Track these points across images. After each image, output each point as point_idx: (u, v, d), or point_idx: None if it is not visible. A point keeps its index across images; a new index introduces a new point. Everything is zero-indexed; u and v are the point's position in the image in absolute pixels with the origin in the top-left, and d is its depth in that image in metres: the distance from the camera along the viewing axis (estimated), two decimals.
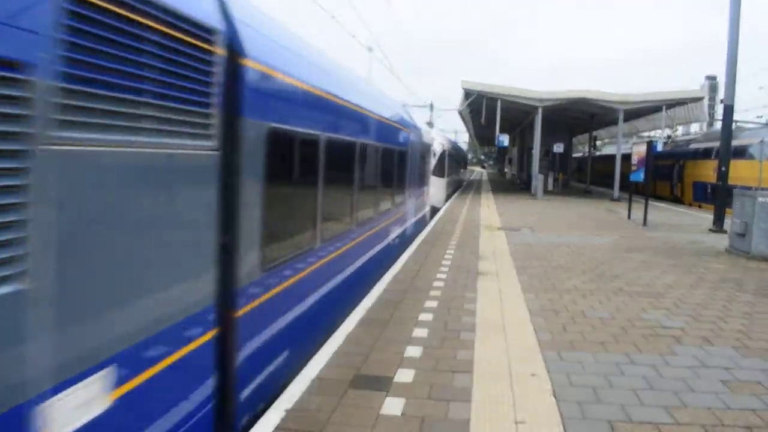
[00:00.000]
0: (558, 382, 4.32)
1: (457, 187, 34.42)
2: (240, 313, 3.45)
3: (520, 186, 37.46)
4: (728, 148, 14.74)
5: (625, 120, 31.02)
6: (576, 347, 5.15)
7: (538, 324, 5.85)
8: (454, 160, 28.78)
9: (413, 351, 4.90)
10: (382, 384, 4.18)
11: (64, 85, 1.97)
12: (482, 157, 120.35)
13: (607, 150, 47.27)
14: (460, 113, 38.59)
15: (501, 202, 23.99)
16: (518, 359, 4.78)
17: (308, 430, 3.47)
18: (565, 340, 5.33)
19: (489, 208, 20.35)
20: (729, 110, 14.99)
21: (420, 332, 5.43)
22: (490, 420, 3.67)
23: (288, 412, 3.69)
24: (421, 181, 13.69)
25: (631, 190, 19.05)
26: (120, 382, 2.36)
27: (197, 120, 2.87)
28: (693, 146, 29.46)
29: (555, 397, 4.04)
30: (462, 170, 42.32)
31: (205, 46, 2.91)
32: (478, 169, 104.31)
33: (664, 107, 27.70)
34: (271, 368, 4.01)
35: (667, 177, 30.99)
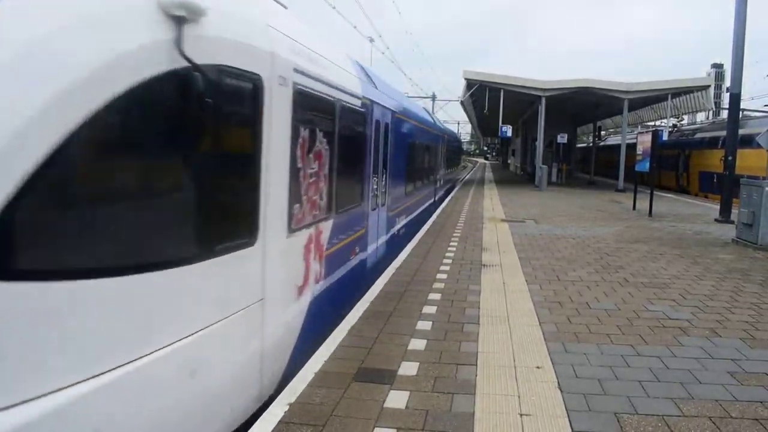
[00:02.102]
0: (563, 374, 4.29)
1: (449, 190, 24.10)
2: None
3: (524, 177, 37.29)
4: (735, 137, 14.58)
5: (630, 109, 30.76)
6: (581, 339, 5.11)
7: (543, 316, 5.81)
8: (425, 150, 14.66)
9: (417, 344, 4.87)
10: (385, 377, 4.15)
11: None
12: (485, 148, 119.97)
13: (612, 140, 46.98)
14: (462, 104, 38.36)
15: (504, 193, 23.89)
16: (523, 351, 4.75)
17: (312, 423, 3.45)
18: (570, 332, 5.29)
19: (492, 200, 20.26)
20: (735, 99, 14.81)
21: (424, 325, 5.40)
22: (494, 413, 3.64)
23: (291, 405, 3.67)
24: None
25: (636, 180, 18.94)
26: None
27: None
28: (699, 135, 29.21)
29: (560, 390, 4.00)
30: (451, 168, 25.14)
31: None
32: (481, 160, 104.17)
33: (669, 96, 27.41)
34: None
35: (672, 167, 30.76)
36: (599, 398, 3.89)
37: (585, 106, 32.39)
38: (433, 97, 44.11)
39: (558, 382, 4.13)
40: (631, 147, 23.52)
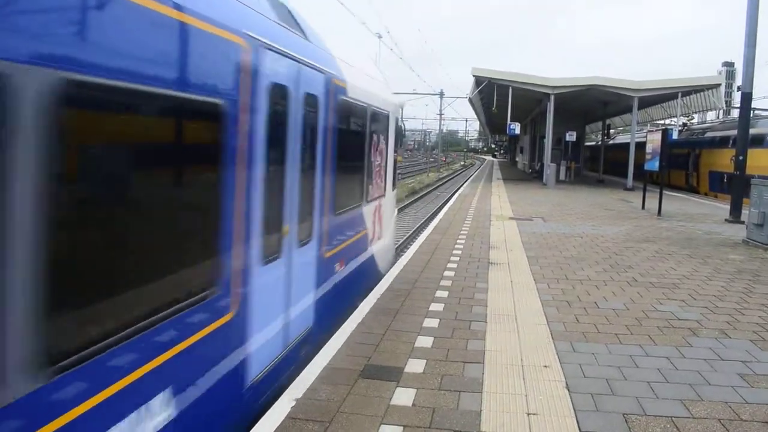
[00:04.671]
0: (571, 373, 4.27)
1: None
2: None
3: (532, 175, 37.13)
4: (746, 137, 14.44)
5: (640, 108, 30.52)
6: (589, 338, 5.08)
7: (551, 314, 5.78)
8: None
9: (424, 341, 4.87)
10: (392, 374, 4.15)
11: None
12: (493, 145, 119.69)
13: (621, 138, 46.63)
14: (471, 101, 38.23)
15: (512, 191, 23.79)
16: (530, 350, 4.73)
17: (318, 419, 3.45)
18: (578, 331, 5.27)
19: (500, 198, 20.18)
20: (747, 97, 14.66)
21: (431, 322, 5.39)
22: (501, 411, 3.63)
23: (298, 401, 3.68)
24: None
25: (645, 179, 18.79)
26: None
27: None
28: (709, 135, 28.93)
29: (568, 389, 3.98)
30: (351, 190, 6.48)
31: None
32: (488, 157, 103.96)
33: (679, 94, 27.16)
34: None
35: (682, 166, 30.50)
36: (607, 398, 3.87)
37: (594, 104, 32.17)
38: (441, 94, 43.99)
39: (566, 382, 4.11)
40: (641, 146, 23.34)
